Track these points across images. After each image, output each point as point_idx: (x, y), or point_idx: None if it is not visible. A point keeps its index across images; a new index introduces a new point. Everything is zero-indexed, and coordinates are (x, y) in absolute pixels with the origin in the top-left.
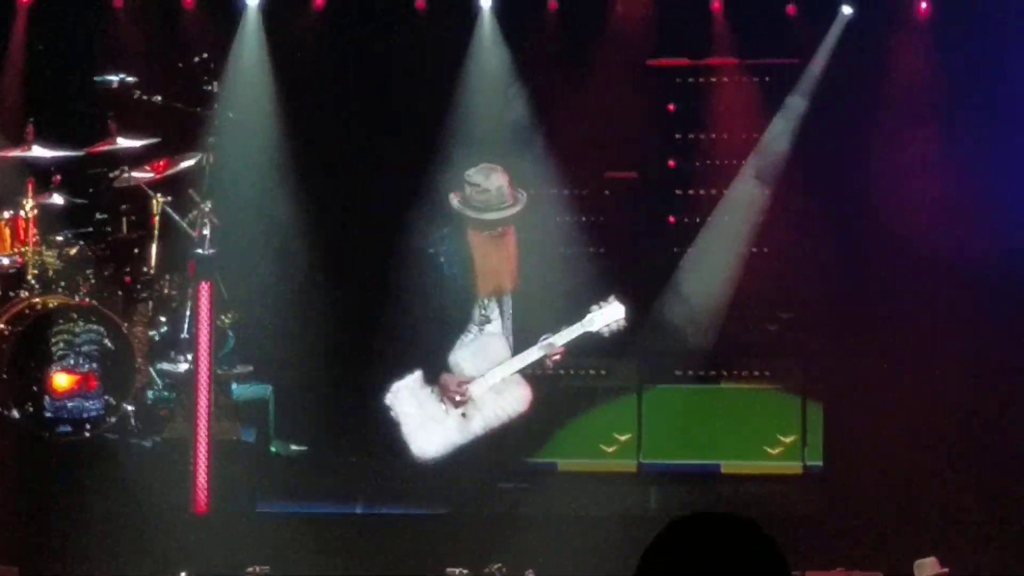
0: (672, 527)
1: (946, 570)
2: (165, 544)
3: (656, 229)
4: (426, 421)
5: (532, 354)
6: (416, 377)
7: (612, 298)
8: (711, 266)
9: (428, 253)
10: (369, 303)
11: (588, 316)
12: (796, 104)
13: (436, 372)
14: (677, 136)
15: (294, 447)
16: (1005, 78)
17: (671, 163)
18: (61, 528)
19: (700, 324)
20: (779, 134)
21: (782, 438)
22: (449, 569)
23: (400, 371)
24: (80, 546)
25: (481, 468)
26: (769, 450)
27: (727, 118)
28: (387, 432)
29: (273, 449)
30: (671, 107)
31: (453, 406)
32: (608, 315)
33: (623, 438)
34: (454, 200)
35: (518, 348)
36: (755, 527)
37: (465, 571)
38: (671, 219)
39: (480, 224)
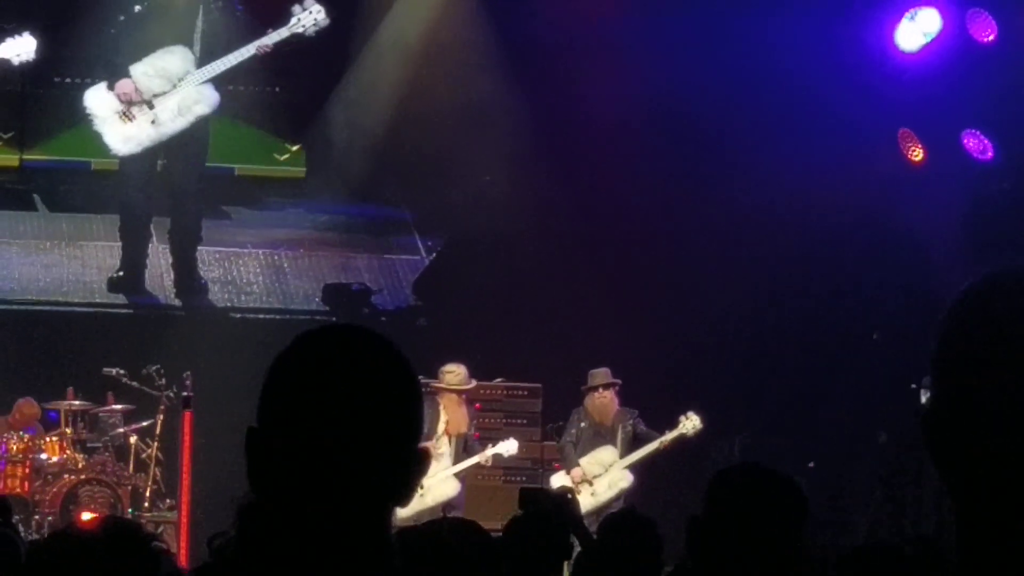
0: (302, 337)
1: (617, 381)
2: None
3: None
4: (115, 123)
5: (244, 52)
6: (102, 85)
7: (314, 2)
8: None
9: None
10: None
11: (294, 19)
12: None
13: (117, 79)
14: None
15: None
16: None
17: None
18: None
19: None
20: None
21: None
22: (106, 369)
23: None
24: None
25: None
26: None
27: None
28: None
29: None
30: None
31: (125, 109)
32: (314, 15)
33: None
34: None
35: (203, 62)
36: (385, 340)
37: (122, 371)
38: None
39: None
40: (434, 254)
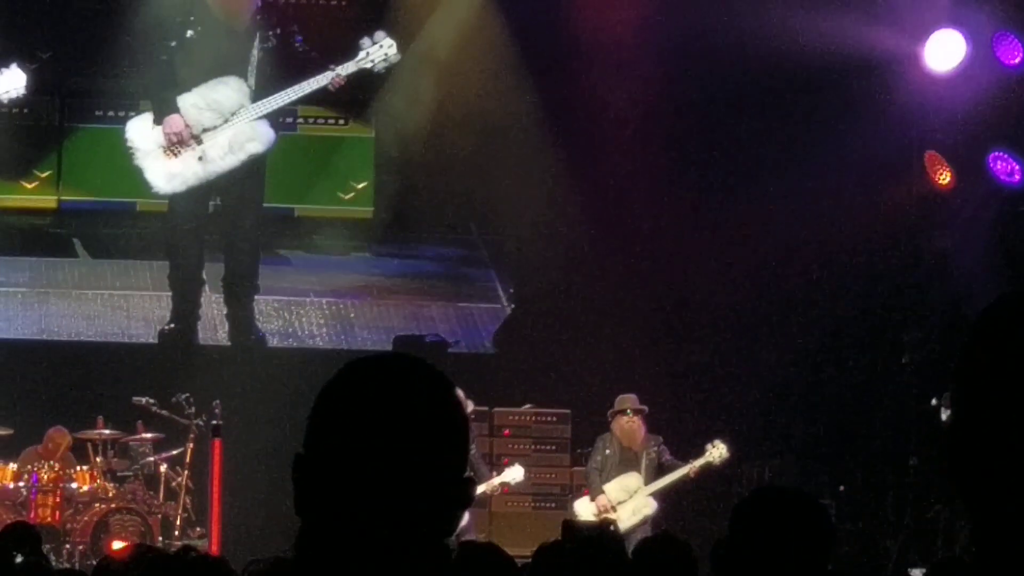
0: (351, 366)
1: (644, 408)
2: None
3: None
4: (158, 158)
5: (307, 87)
6: (147, 116)
7: (383, 33)
8: None
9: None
10: None
11: (362, 52)
12: None
13: (165, 114)
14: None
15: None
16: None
17: None
18: None
19: None
20: None
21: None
22: (136, 398)
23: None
24: None
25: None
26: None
27: None
28: None
29: None
30: None
31: (171, 146)
32: (384, 50)
33: (360, 186)
34: None
35: (258, 96)
36: (433, 370)
37: (152, 400)
38: None
39: None
40: (514, 303)
